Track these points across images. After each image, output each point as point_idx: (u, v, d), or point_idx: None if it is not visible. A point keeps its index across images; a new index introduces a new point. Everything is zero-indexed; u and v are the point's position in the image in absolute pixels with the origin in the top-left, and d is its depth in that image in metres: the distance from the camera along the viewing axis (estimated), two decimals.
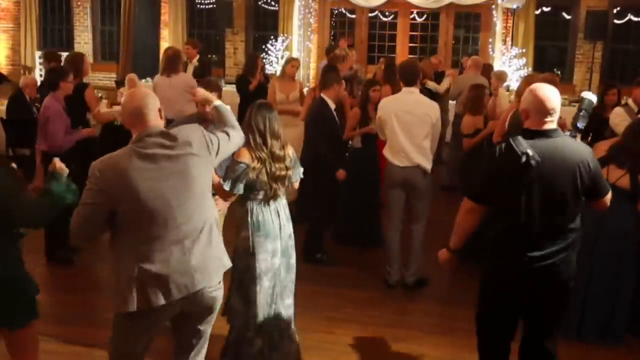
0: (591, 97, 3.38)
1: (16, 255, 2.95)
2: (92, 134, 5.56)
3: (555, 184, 2.91)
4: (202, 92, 3.39)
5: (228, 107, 3.23)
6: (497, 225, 3.05)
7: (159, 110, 2.77)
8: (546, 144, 2.91)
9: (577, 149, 3.02)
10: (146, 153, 2.64)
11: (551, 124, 2.96)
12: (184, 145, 2.71)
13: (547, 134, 2.94)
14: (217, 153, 2.89)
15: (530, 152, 2.84)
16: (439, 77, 9.05)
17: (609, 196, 3.13)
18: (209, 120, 4.05)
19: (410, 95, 4.95)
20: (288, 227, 3.69)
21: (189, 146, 2.73)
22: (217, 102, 3.24)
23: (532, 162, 2.84)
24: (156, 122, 2.73)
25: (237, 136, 3.10)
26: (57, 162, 3.07)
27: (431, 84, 8.43)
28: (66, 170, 3.05)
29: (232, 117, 3.16)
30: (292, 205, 4.03)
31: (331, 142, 5.41)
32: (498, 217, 3.04)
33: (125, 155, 2.65)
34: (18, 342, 2.98)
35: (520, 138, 2.92)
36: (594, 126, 6.18)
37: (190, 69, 7.80)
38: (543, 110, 2.93)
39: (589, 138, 6.23)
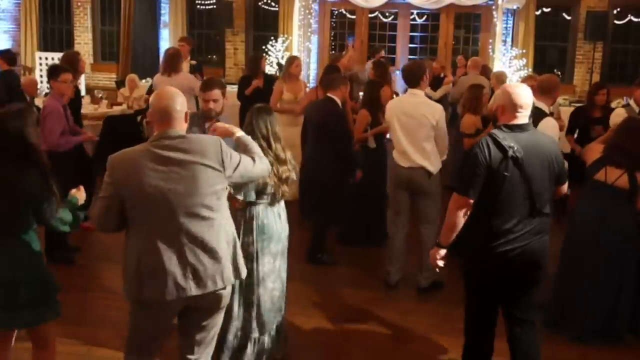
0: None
1: (42, 254, 3.15)
2: (91, 139, 5.53)
3: (536, 173, 3.12)
4: (221, 126, 3.21)
5: (250, 139, 3.14)
6: (481, 214, 3.18)
7: (186, 113, 2.78)
8: (524, 137, 3.13)
9: (547, 140, 3.30)
10: (160, 155, 2.68)
11: (524, 118, 3.18)
12: (197, 154, 2.72)
13: (523, 127, 3.17)
14: (234, 171, 2.83)
15: (515, 145, 3.06)
16: (438, 83, 8.97)
17: (567, 183, 3.41)
18: (213, 118, 4.04)
19: (413, 97, 4.94)
20: (287, 228, 3.77)
21: (202, 156, 2.73)
22: (240, 133, 3.13)
23: (518, 154, 3.05)
24: (178, 125, 2.75)
25: (264, 165, 3.03)
26: (82, 191, 3.26)
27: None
28: (83, 197, 3.23)
29: (257, 147, 3.09)
30: (293, 206, 4.03)
31: (350, 140, 5.53)
32: (482, 206, 3.16)
33: (139, 153, 2.71)
34: (42, 338, 3.15)
35: (499, 132, 3.12)
36: (581, 124, 6.21)
37: (185, 66, 7.77)
38: (516, 105, 3.14)
39: (576, 135, 6.25)
